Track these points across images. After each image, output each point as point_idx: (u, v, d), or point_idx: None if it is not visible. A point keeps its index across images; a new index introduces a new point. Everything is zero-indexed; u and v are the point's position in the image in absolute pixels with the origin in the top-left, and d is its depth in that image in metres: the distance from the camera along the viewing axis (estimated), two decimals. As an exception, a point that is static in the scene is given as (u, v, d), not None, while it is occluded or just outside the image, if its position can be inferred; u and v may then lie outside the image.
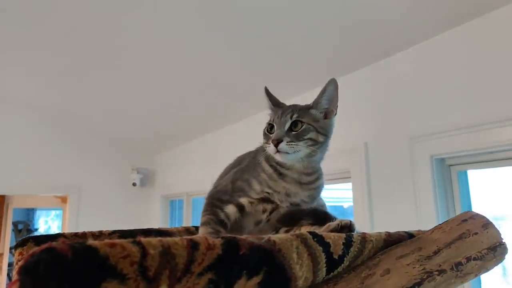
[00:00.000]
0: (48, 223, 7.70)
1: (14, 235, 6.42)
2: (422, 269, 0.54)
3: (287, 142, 0.76)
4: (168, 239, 0.41)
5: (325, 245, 0.53)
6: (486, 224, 0.62)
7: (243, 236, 0.47)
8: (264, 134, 0.83)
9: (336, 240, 0.55)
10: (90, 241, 0.36)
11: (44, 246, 0.34)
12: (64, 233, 0.80)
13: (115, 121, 3.76)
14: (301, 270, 0.49)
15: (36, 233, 6.79)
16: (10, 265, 5.78)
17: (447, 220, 0.66)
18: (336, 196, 3.39)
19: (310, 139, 0.78)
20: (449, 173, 1.62)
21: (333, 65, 2.03)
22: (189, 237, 0.43)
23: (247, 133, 2.54)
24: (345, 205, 3.47)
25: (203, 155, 3.45)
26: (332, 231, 0.66)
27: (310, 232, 0.54)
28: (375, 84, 1.92)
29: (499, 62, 1.43)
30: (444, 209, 1.58)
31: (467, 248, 0.58)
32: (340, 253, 0.55)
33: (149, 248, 0.38)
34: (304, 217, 0.76)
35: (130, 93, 3.03)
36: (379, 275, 0.54)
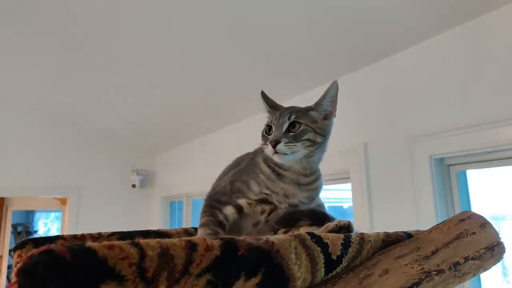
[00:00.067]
0: (47, 225, 7.70)
1: (13, 237, 6.42)
2: (421, 269, 0.55)
3: (285, 143, 0.76)
4: (167, 240, 0.41)
5: (324, 246, 0.53)
6: (483, 224, 0.62)
7: (242, 237, 0.47)
8: (262, 135, 0.84)
9: (334, 240, 0.56)
10: (89, 243, 0.36)
11: (42, 248, 0.34)
12: (63, 235, 0.80)
13: (114, 122, 3.76)
14: (299, 271, 0.49)
15: (35, 235, 6.78)
16: (9, 267, 5.77)
17: (445, 220, 0.66)
18: (336, 196, 3.39)
19: (308, 139, 0.78)
20: (449, 173, 1.62)
21: (333, 65, 2.03)
22: (187, 238, 0.43)
23: (247, 134, 2.54)
24: (345, 206, 3.48)
25: (202, 156, 3.45)
26: (330, 231, 0.66)
27: (308, 233, 0.54)
28: (374, 84, 1.92)
29: (498, 62, 1.43)
30: (443, 209, 1.58)
31: (465, 248, 0.59)
32: (339, 253, 0.55)
33: (147, 250, 0.38)
34: (302, 218, 0.77)
35: (129, 95, 3.03)
36: (377, 276, 0.55)
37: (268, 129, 0.82)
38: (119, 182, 4.19)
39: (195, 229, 0.92)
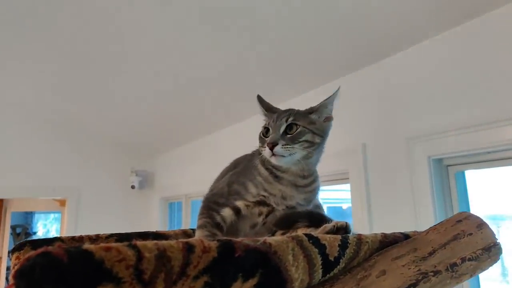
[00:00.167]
0: (46, 227, 7.68)
1: (12, 239, 6.40)
2: (418, 270, 0.55)
3: (282, 145, 0.76)
4: (164, 242, 0.41)
5: (321, 247, 0.54)
6: (480, 225, 0.62)
7: (239, 239, 0.48)
8: (260, 137, 0.84)
9: (331, 242, 0.56)
10: (86, 245, 0.37)
11: (39, 250, 0.34)
12: (61, 237, 0.81)
13: (113, 123, 3.76)
14: (297, 272, 0.49)
15: (34, 237, 6.77)
16: (8, 269, 5.76)
17: (442, 221, 0.66)
18: (335, 197, 3.40)
19: (306, 141, 0.78)
20: (447, 174, 1.63)
21: (332, 65, 2.03)
22: (185, 240, 0.43)
23: (246, 135, 2.54)
24: (344, 206, 3.48)
25: (202, 157, 3.45)
26: (328, 233, 0.66)
27: (305, 234, 0.54)
28: (373, 85, 1.92)
29: (497, 63, 1.43)
30: (442, 209, 1.58)
31: (462, 248, 0.59)
32: (336, 254, 0.55)
33: (144, 252, 0.39)
34: (300, 219, 0.77)
35: (128, 96, 3.03)
36: (374, 277, 0.55)
37: (266, 131, 0.83)
38: (118, 183, 4.19)
39: (194, 230, 0.92)
